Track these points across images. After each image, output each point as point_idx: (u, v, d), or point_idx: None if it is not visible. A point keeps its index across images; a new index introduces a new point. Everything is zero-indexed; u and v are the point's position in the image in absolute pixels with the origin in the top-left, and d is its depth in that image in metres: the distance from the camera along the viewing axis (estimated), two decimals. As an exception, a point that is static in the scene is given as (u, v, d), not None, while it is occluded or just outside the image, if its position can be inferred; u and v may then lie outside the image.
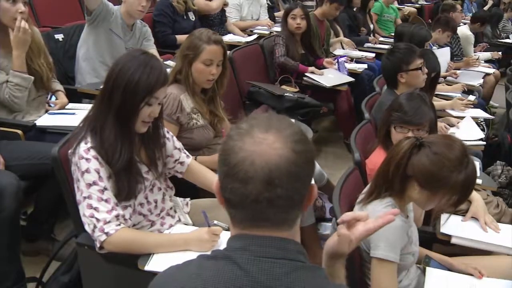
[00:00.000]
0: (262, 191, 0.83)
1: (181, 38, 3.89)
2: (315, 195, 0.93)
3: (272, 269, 0.84)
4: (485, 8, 7.36)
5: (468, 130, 3.03)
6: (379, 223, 1.06)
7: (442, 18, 4.53)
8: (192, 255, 0.97)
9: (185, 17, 4.17)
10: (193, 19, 4.25)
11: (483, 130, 3.44)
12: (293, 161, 0.84)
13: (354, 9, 5.42)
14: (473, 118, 3.35)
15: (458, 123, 3.11)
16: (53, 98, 2.66)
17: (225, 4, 4.65)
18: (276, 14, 5.55)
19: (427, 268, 1.70)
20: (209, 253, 0.93)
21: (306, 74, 3.89)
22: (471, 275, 1.71)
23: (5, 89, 2.35)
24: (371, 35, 5.64)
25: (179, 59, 2.20)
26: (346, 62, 4.28)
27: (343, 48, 4.81)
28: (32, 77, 2.43)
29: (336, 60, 4.13)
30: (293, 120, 0.95)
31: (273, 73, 4.04)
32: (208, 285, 0.85)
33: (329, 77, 3.91)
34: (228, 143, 0.87)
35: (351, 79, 3.99)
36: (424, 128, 1.99)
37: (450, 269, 1.77)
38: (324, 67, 4.07)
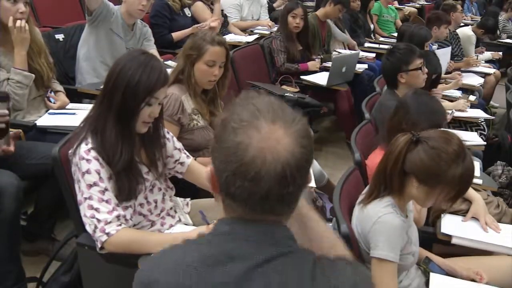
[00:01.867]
0: (273, 189, 0.81)
1: (176, 35, 3.94)
2: (309, 181, 0.91)
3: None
4: None
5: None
6: None
7: (431, 16, 4.51)
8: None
9: (181, 14, 4.18)
10: (189, 15, 4.25)
11: (483, 130, 3.44)
12: (302, 157, 0.83)
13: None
14: (473, 118, 3.36)
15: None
16: (52, 94, 2.66)
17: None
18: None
19: (431, 274, 1.68)
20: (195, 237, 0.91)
21: (303, 77, 3.93)
22: (474, 280, 1.69)
23: (6, 87, 2.36)
24: (372, 35, 5.64)
25: (182, 59, 2.20)
26: None
27: (344, 49, 4.82)
28: (33, 75, 2.43)
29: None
30: None
31: (273, 73, 4.04)
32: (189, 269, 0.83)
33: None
34: (232, 138, 0.82)
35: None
36: None
37: (450, 273, 1.75)
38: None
